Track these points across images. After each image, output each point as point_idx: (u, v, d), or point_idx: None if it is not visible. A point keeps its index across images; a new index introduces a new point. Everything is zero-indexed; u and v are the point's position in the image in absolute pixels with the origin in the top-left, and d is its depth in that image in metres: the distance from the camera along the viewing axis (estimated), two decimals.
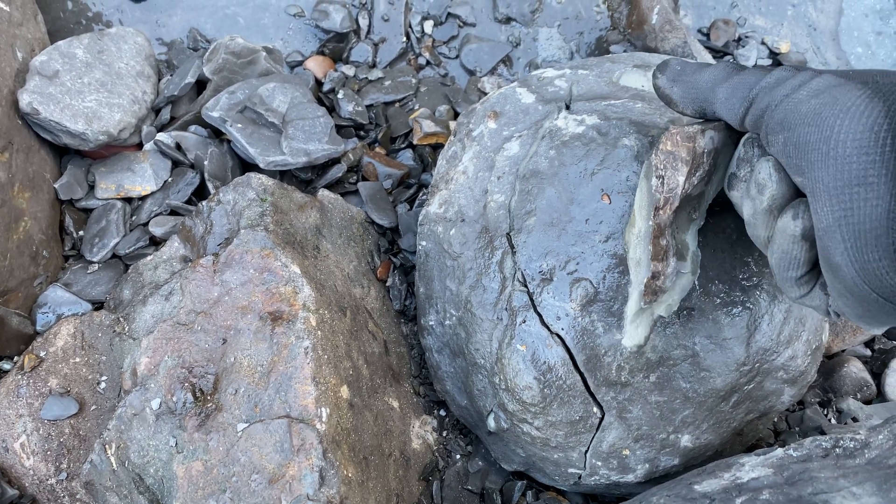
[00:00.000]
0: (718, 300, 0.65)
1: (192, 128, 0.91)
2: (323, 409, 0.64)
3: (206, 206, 0.78)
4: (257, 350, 0.66)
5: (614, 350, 0.65)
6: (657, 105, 0.71)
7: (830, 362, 0.88)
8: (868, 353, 0.90)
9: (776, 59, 1.03)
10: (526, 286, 0.68)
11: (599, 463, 0.70)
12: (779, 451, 0.63)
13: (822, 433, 0.76)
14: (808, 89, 0.43)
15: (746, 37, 1.04)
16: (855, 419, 0.81)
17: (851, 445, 0.61)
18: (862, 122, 0.39)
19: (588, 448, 0.70)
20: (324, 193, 0.85)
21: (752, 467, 0.61)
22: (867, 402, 0.85)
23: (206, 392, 0.66)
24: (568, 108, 0.73)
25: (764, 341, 0.67)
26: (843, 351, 0.90)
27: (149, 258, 0.80)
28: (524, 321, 0.68)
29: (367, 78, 1.02)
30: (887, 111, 0.39)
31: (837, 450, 0.61)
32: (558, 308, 0.66)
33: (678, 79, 0.54)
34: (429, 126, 0.95)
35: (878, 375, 0.88)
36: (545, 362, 0.67)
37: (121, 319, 0.76)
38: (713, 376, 0.67)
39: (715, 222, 0.65)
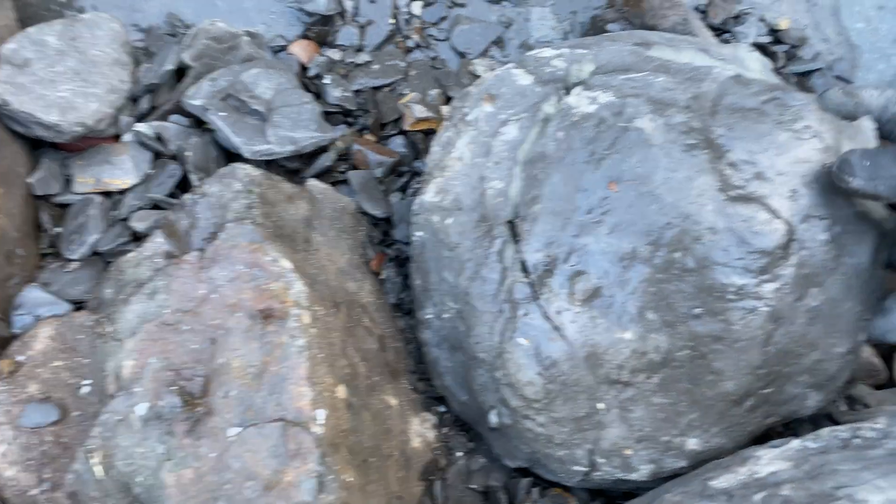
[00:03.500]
0: (729, 295, 0.62)
1: (173, 117, 0.87)
2: (319, 411, 0.61)
3: (191, 198, 0.75)
4: (248, 350, 0.63)
5: (614, 348, 0.63)
6: (681, 79, 0.67)
7: None
8: None
9: (776, 36, 1.01)
10: (528, 277, 0.65)
11: (603, 460, 0.68)
12: (795, 443, 0.60)
13: (833, 420, 0.74)
14: None
15: (745, 13, 1.01)
16: (866, 405, 0.79)
17: (872, 436, 0.59)
18: None
19: (593, 445, 0.67)
20: (313, 183, 0.82)
21: (769, 461, 0.59)
22: (878, 387, 0.83)
23: (195, 395, 0.63)
24: (568, 91, 0.70)
25: (785, 342, 0.63)
26: None
27: (130, 255, 0.76)
28: (526, 314, 0.65)
29: (354, 62, 0.98)
30: None
31: (857, 440, 0.59)
32: (559, 302, 0.64)
33: (877, 175, 0.52)
34: (420, 111, 0.92)
35: (888, 359, 0.85)
36: (548, 357, 0.64)
37: (103, 320, 0.72)
38: (723, 380, 0.63)
39: None
